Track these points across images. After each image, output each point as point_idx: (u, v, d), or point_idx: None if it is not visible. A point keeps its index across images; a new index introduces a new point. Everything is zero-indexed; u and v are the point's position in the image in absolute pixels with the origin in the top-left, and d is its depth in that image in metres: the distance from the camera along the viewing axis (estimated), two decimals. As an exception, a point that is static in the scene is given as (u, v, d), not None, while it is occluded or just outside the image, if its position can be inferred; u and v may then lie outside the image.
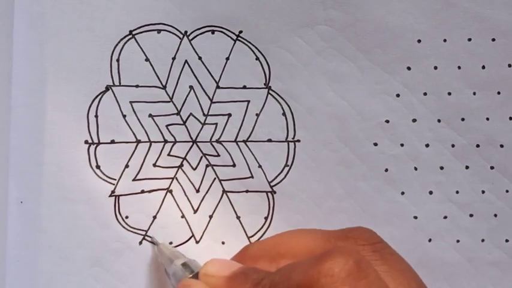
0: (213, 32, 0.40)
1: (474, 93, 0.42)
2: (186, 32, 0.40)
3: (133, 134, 0.39)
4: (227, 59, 0.40)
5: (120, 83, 0.39)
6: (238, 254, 0.36)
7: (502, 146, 0.42)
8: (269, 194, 0.41)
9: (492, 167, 0.42)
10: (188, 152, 0.40)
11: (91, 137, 0.39)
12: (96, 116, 0.39)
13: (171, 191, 0.40)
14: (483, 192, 0.42)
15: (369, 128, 0.41)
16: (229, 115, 0.40)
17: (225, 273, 0.32)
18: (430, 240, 0.42)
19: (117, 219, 0.39)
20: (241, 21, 0.40)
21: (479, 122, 0.42)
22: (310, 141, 0.41)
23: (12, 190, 0.38)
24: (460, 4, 0.41)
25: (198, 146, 0.40)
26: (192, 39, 0.40)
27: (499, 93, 0.42)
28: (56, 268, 0.38)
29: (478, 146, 0.42)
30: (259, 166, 0.41)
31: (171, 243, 0.39)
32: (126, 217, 0.39)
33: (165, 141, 0.40)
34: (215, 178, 0.40)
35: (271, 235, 0.40)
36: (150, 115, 0.40)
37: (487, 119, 0.42)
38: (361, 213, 0.41)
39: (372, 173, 0.41)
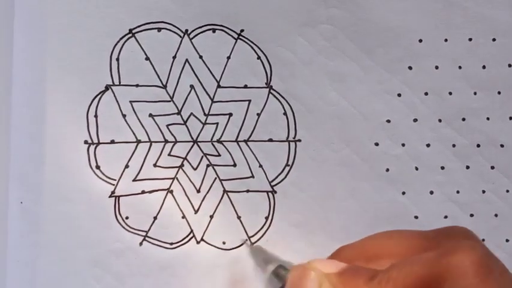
0: (214, 30, 0.40)
1: (475, 93, 0.42)
2: (186, 30, 0.40)
3: (134, 134, 0.39)
4: (228, 58, 0.40)
5: (120, 83, 0.39)
6: (331, 257, 0.35)
7: (502, 145, 0.42)
8: (270, 193, 0.40)
9: (493, 167, 0.42)
10: (189, 152, 0.40)
11: (91, 137, 0.39)
12: (96, 116, 0.39)
13: (171, 191, 0.40)
14: (484, 192, 0.42)
15: (370, 128, 0.41)
16: (230, 115, 0.40)
17: (332, 270, 0.32)
18: (430, 239, 0.42)
19: (118, 220, 0.39)
20: (243, 20, 0.40)
21: (480, 122, 0.42)
22: (311, 141, 0.41)
23: (12, 190, 0.38)
24: (461, 4, 0.41)
25: (198, 145, 0.40)
26: (192, 38, 0.40)
27: (499, 93, 0.42)
28: (56, 268, 0.38)
29: (478, 145, 0.42)
30: (260, 166, 0.40)
31: (172, 243, 0.39)
32: (127, 218, 0.39)
33: (166, 141, 0.40)
34: (216, 178, 0.40)
35: (272, 235, 0.40)
36: (150, 115, 0.39)
37: (488, 118, 0.42)
38: (362, 213, 0.41)
39: (372, 172, 0.41)
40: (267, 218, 0.40)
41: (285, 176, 0.41)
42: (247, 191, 0.40)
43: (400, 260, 0.31)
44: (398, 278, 0.29)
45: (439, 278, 0.28)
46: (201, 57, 0.40)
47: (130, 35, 0.39)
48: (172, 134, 0.40)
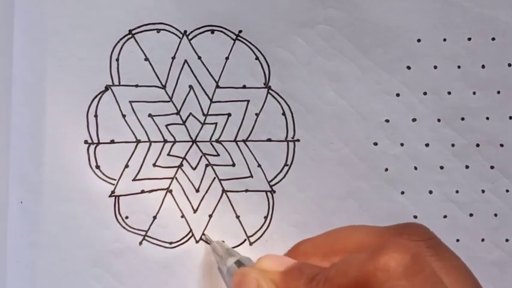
0: (212, 31, 0.40)
1: (474, 93, 0.42)
2: (185, 31, 0.40)
3: (133, 133, 0.39)
4: (227, 58, 0.40)
5: (119, 83, 0.39)
6: (290, 251, 0.36)
7: (502, 145, 0.42)
8: (269, 193, 0.41)
9: (492, 167, 0.42)
10: (188, 151, 0.40)
11: (91, 137, 0.39)
12: (96, 116, 0.39)
13: (171, 191, 0.40)
14: (483, 191, 0.42)
15: (368, 128, 0.41)
16: (229, 115, 0.40)
17: (279, 268, 0.32)
18: (430, 239, 0.42)
19: (117, 220, 0.39)
20: (241, 20, 0.40)
21: (479, 121, 0.42)
22: (310, 140, 0.41)
23: (12, 190, 0.38)
24: (460, 4, 0.41)
25: (197, 145, 0.40)
26: (191, 39, 0.40)
27: (498, 92, 0.42)
28: (56, 268, 0.38)
29: (478, 145, 0.42)
30: (259, 166, 0.41)
31: (171, 243, 0.39)
32: (126, 217, 0.39)
33: (165, 141, 0.40)
34: (215, 178, 0.40)
35: (271, 234, 0.40)
36: (149, 115, 0.40)
37: (487, 118, 0.42)
38: (361, 212, 0.41)
39: (371, 172, 0.41)
40: (266, 217, 0.40)
41: (284, 176, 0.41)
42: (246, 190, 0.40)
43: (341, 259, 0.31)
44: (333, 278, 0.29)
45: (367, 280, 0.27)
46: (199, 57, 0.40)
47: (130, 35, 0.39)
48: (171, 134, 0.40)
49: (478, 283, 0.32)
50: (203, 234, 0.40)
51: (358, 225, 0.35)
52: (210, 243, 0.39)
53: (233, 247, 0.40)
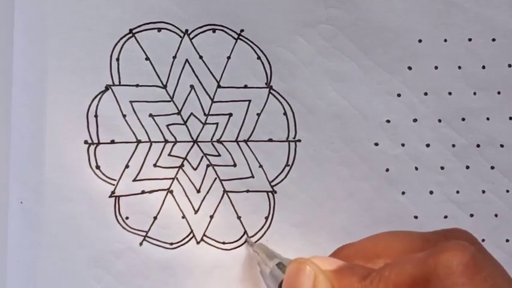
0: (214, 30, 0.40)
1: (474, 93, 0.42)
2: (186, 30, 0.40)
3: (134, 134, 0.39)
4: (228, 58, 0.40)
5: (120, 83, 0.39)
6: (332, 255, 0.35)
7: (502, 145, 0.42)
8: (270, 193, 0.40)
9: (492, 167, 0.42)
10: (189, 152, 0.40)
11: (91, 137, 0.39)
12: (96, 116, 0.39)
13: (171, 192, 0.40)
14: (483, 192, 0.42)
15: (369, 128, 0.41)
16: (230, 115, 0.40)
17: (330, 267, 0.32)
18: (430, 239, 0.42)
19: (118, 220, 0.39)
20: (243, 20, 0.40)
21: (480, 122, 0.42)
22: (311, 141, 0.41)
23: (12, 190, 0.38)
24: (460, 4, 0.41)
25: (198, 145, 0.40)
26: (192, 38, 0.40)
27: (499, 93, 0.42)
28: (56, 269, 0.38)
29: (478, 146, 0.42)
30: (260, 166, 0.40)
31: (171, 243, 0.39)
32: (127, 218, 0.39)
33: (166, 141, 0.40)
34: (216, 178, 0.40)
35: (272, 234, 0.40)
36: (150, 115, 0.39)
37: (488, 119, 0.42)
38: (362, 213, 0.41)
39: (372, 172, 0.41)
40: (267, 218, 0.40)
41: (285, 176, 0.41)
42: (247, 191, 0.40)
43: (394, 260, 0.31)
44: (389, 277, 0.29)
45: (427, 277, 0.28)
46: (201, 57, 0.40)
47: (130, 35, 0.39)
48: (172, 134, 0.40)
49: None
50: (246, 236, 0.40)
51: (400, 230, 0.35)
52: (252, 246, 0.39)
53: (234, 248, 0.40)
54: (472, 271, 0.28)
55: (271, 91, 0.40)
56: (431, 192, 0.42)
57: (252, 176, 0.40)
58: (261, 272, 0.37)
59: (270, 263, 0.35)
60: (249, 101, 0.40)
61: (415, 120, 0.41)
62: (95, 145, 0.39)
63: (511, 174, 0.42)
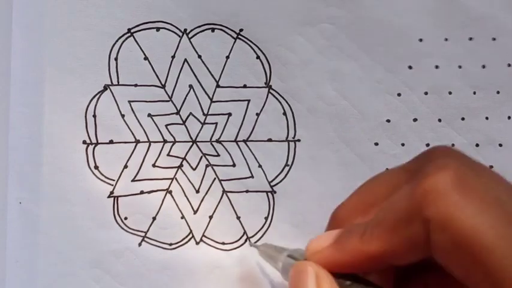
0: (213, 30, 0.40)
1: (474, 93, 0.42)
2: (185, 30, 0.40)
3: (132, 134, 0.39)
4: (227, 57, 0.40)
5: (118, 82, 0.39)
6: (329, 224, 0.35)
7: (501, 145, 0.42)
8: (269, 193, 0.40)
9: (491, 167, 0.42)
10: (188, 152, 0.40)
11: (89, 137, 0.39)
12: (95, 116, 0.39)
13: (170, 192, 0.39)
14: (483, 192, 0.42)
15: (369, 128, 0.41)
16: (229, 114, 0.40)
17: (329, 242, 0.32)
18: (430, 239, 0.42)
19: (116, 221, 0.39)
20: (242, 19, 0.40)
21: (479, 121, 0.42)
22: (311, 140, 0.41)
23: (11, 191, 0.37)
24: (461, 3, 0.41)
25: (197, 145, 0.40)
26: (191, 38, 0.40)
27: (498, 92, 0.42)
28: (55, 269, 0.38)
29: (477, 145, 0.42)
30: (259, 166, 0.40)
31: (171, 244, 0.39)
32: (125, 218, 0.39)
33: (165, 141, 0.39)
34: (215, 178, 0.40)
35: (272, 235, 0.40)
36: (149, 115, 0.39)
37: (487, 118, 0.42)
38: (362, 213, 0.41)
39: (372, 172, 0.40)
40: (266, 218, 0.40)
41: (285, 176, 0.40)
42: (247, 191, 0.40)
43: (383, 203, 0.31)
44: (383, 221, 0.29)
45: (419, 206, 0.28)
46: (200, 56, 0.40)
47: (129, 34, 0.39)
48: (171, 134, 0.40)
49: None
50: (249, 241, 0.40)
51: (381, 172, 0.35)
52: (257, 249, 0.38)
53: (233, 248, 0.40)
54: (460, 185, 0.27)
55: (271, 91, 0.40)
56: (431, 192, 0.41)
57: (252, 176, 0.40)
58: (278, 269, 0.36)
59: (280, 256, 0.35)
60: (248, 100, 0.40)
61: (415, 119, 0.41)
62: (94, 145, 0.39)
63: (510, 174, 0.42)
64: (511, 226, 0.26)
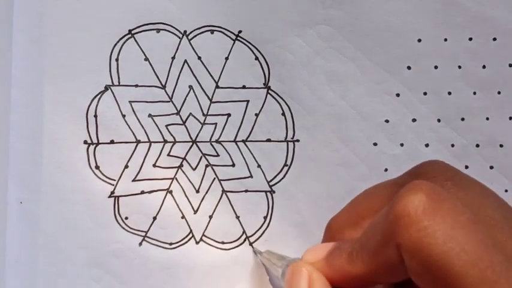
0: (212, 31, 0.40)
1: (474, 93, 0.42)
2: (185, 31, 0.40)
3: (133, 134, 0.39)
4: (226, 58, 0.40)
5: (119, 83, 0.39)
6: (324, 235, 0.36)
7: (501, 145, 0.42)
8: (268, 193, 0.41)
9: (492, 167, 0.42)
10: (188, 152, 0.40)
11: (90, 137, 0.39)
12: (96, 116, 0.39)
13: (171, 192, 0.40)
14: (483, 192, 0.42)
15: (368, 128, 0.41)
16: (229, 115, 0.40)
17: (322, 255, 0.32)
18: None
19: (117, 220, 0.39)
20: (241, 21, 0.40)
21: (479, 121, 0.42)
22: (310, 141, 0.41)
23: (11, 190, 0.38)
24: (461, 3, 0.41)
25: (197, 146, 0.40)
26: (191, 39, 0.40)
27: (499, 93, 0.42)
28: (55, 269, 0.38)
29: (477, 145, 0.42)
30: (259, 166, 0.40)
31: (171, 244, 0.39)
32: (126, 218, 0.39)
33: (165, 141, 0.40)
34: (215, 178, 0.40)
35: (271, 234, 0.40)
36: (149, 115, 0.40)
37: (487, 118, 0.42)
38: (361, 213, 0.41)
39: (371, 172, 0.41)
40: (265, 217, 0.40)
41: (284, 176, 0.41)
42: (246, 191, 0.40)
43: (370, 221, 0.31)
44: (367, 243, 0.29)
45: (393, 231, 0.27)
46: (199, 58, 0.40)
47: (129, 35, 0.39)
48: (171, 134, 0.40)
49: (507, 205, 0.30)
50: (252, 246, 0.40)
51: (375, 184, 0.35)
52: (259, 255, 0.39)
53: (233, 248, 0.40)
54: (432, 209, 0.27)
55: (269, 91, 0.40)
56: (430, 192, 0.41)
57: (251, 176, 0.40)
58: (271, 279, 0.37)
59: (280, 264, 0.35)
60: (247, 101, 0.40)
61: (414, 120, 0.41)
62: (95, 145, 0.39)
63: (510, 174, 0.42)
64: (483, 250, 0.26)
